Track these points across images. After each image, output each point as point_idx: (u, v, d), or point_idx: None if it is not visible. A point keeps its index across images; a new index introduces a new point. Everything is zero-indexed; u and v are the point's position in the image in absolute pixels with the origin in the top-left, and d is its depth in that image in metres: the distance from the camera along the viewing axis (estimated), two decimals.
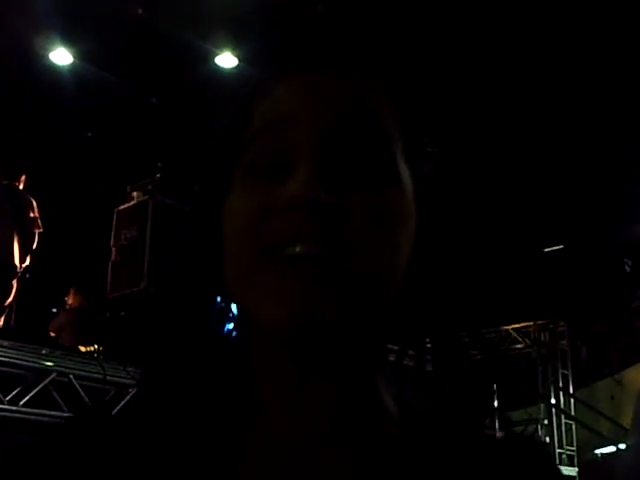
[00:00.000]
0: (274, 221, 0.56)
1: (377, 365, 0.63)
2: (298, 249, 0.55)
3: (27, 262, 6.15)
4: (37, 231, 6.19)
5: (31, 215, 6.15)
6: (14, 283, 6.05)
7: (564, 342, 9.62)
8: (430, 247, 0.63)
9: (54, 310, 8.31)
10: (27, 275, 6.29)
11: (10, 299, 6.09)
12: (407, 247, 0.59)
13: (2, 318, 6.06)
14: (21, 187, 6.21)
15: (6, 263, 5.94)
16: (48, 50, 8.17)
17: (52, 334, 7.71)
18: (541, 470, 0.62)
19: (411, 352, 0.66)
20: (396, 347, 0.65)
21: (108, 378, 5.24)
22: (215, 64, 8.34)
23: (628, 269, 10.41)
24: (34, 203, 6.17)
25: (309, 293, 0.54)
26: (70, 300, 7.86)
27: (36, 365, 4.98)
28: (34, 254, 6.20)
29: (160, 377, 0.62)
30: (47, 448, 0.60)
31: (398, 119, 0.61)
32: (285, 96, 0.61)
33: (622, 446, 7.52)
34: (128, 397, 5.18)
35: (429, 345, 0.64)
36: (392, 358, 0.65)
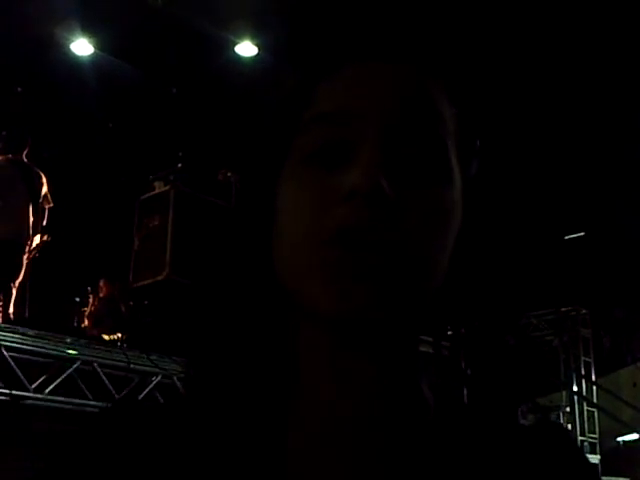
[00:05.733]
0: (335, 209, 0.57)
1: (415, 353, 0.64)
2: (359, 237, 0.56)
3: (38, 240, 6.12)
4: (47, 207, 6.15)
5: (43, 191, 6.12)
6: (24, 261, 6.02)
7: (586, 330, 9.58)
8: (471, 243, 0.64)
9: (77, 299, 8.36)
10: (37, 254, 6.23)
11: (20, 278, 6.04)
12: (452, 244, 0.61)
13: (13, 301, 5.99)
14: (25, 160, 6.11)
15: (17, 240, 5.90)
16: (69, 41, 8.21)
17: (87, 323, 7.79)
18: (569, 458, 0.63)
19: (444, 343, 0.67)
20: (430, 338, 0.67)
21: (132, 366, 5.29)
22: (235, 53, 8.33)
23: None
24: (44, 178, 6.14)
25: (367, 285, 0.55)
26: (103, 290, 7.92)
27: (61, 353, 5.04)
28: (46, 232, 6.18)
29: (209, 365, 0.64)
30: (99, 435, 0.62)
31: (456, 115, 0.62)
32: (349, 84, 0.61)
33: None
34: (152, 385, 5.23)
35: (465, 335, 0.66)
36: (426, 349, 0.66)
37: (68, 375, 4.95)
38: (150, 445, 0.60)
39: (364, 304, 0.55)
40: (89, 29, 8.03)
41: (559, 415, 8.95)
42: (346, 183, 0.57)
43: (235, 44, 8.26)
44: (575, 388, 9.26)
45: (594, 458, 8.73)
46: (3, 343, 4.71)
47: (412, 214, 0.57)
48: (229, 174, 6.95)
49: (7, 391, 4.63)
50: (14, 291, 6.00)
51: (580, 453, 0.65)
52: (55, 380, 4.87)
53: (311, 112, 0.61)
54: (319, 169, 0.59)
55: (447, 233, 0.60)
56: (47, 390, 4.83)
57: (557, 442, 0.63)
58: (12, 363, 4.69)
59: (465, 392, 0.68)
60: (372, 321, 0.56)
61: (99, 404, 4.74)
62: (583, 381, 9.29)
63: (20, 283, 6.07)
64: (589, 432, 9.03)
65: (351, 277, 0.56)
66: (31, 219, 5.97)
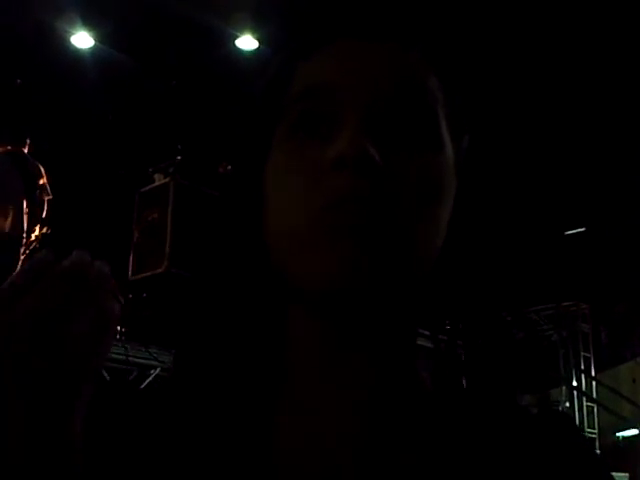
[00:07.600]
0: (323, 181, 0.56)
1: (411, 342, 0.63)
2: (348, 209, 0.55)
3: (37, 232, 6.08)
4: (46, 198, 6.11)
5: (41, 182, 6.08)
6: (20, 254, 5.98)
7: (586, 325, 9.59)
8: (467, 223, 0.63)
9: None
10: (36, 246, 6.19)
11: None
12: (446, 215, 0.60)
13: None
14: (26, 152, 6.06)
15: (12, 234, 5.87)
16: (69, 33, 8.19)
17: None
18: (574, 445, 0.62)
19: (441, 336, 0.66)
20: (427, 332, 0.66)
21: (130, 359, 5.28)
22: (235, 47, 8.32)
23: None
24: (42, 169, 6.09)
25: (359, 256, 0.55)
26: None
27: None
28: (45, 224, 6.15)
29: (198, 351, 0.64)
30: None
31: (442, 88, 0.62)
32: (332, 60, 0.61)
33: None
34: (151, 377, 5.22)
35: (466, 324, 0.65)
36: (426, 342, 0.65)
37: None
38: (138, 429, 0.59)
39: (364, 266, 0.55)
40: (90, 22, 8.02)
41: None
42: (332, 151, 0.56)
43: (236, 37, 8.25)
44: (574, 383, 9.27)
45: None
46: None
47: (401, 181, 0.56)
48: (229, 167, 6.94)
49: None
50: None
51: (583, 439, 0.64)
52: None
53: (294, 89, 0.61)
54: (305, 139, 0.59)
55: (439, 202, 0.59)
56: None
57: (561, 428, 0.63)
58: None
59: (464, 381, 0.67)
60: (372, 286, 0.56)
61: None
62: (582, 376, 9.30)
63: None
64: (588, 427, 9.03)
65: (351, 243, 0.55)
66: (26, 211, 5.95)
